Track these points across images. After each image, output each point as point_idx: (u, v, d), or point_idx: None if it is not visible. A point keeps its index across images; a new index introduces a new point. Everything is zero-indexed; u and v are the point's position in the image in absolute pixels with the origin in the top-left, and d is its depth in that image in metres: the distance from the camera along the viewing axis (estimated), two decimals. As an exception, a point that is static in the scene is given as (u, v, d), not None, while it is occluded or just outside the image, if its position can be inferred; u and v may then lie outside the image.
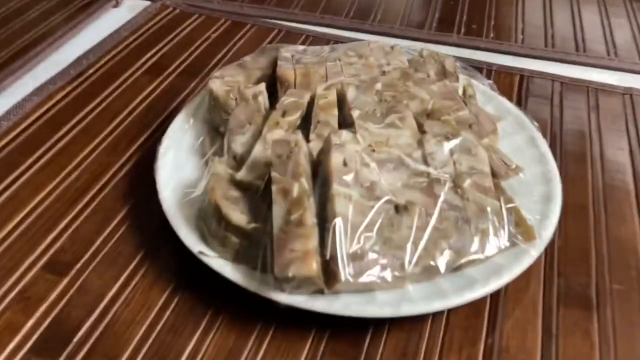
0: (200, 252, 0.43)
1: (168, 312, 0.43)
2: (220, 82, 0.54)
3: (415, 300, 0.40)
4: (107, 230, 0.49)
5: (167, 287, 0.45)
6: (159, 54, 0.71)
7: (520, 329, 0.43)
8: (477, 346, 0.42)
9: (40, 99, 0.62)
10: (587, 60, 0.74)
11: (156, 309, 0.43)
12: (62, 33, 0.72)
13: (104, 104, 0.63)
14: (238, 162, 0.48)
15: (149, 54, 0.71)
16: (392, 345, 0.42)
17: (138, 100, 0.64)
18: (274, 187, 0.41)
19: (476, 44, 0.76)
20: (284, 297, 0.40)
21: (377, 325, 0.42)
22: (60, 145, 0.57)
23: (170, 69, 0.69)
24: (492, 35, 0.79)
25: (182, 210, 0.46)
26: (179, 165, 0.50)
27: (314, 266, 0.38)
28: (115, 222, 0.50)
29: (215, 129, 0.53)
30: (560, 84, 0.69)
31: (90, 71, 0.67)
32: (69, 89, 0.64)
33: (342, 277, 0.38)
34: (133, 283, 0.45)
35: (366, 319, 0.41)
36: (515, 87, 0.69)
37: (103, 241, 0.48)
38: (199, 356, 0.40)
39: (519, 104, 0.65)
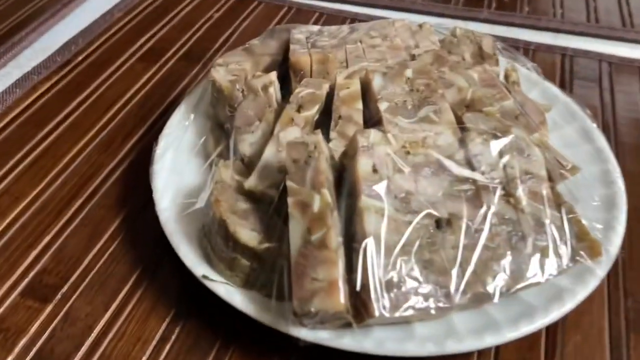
0: (204, 277, 0.36)
1: (168, 346, 0.37)
2: (223, 71, 0.46)
3: (463, 335, 0.34)
4: (97, 247, 0.42)
5: (166, 314, 0.38)
6: (155, 38, 0.64)
7: (585, 363, 0.36)
8: (534, 385, 0.35)
9: (23, 91, 0.56)
10: (637, 36, 0.65)
11: (154, 342, 0.37)
12: (49, 16, 0.65)
13: (94, 96, 0.56)
14: (247, 166, 0.41)
15: (144, 38, 0.63)
16: (433, 384, 0.35)
17: (133, 90, 0.57)
18: (290, 200, 0.35)
19: (510, 19, 0.68)
20: (304, 333, 0.33)
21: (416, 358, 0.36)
22: (44, 145, 0.50)
23: (168, 55, 0.61)
24: (527, 9, 0.71)
25: (183, 224, 0.40)
26: (178, 170, 0.43)
27: (341, 299, 0.31)
28: (106, 236, 0.43)
29: (220, 125, 0.46)
30: (608, 65, 0.61)
31: (79, 58, 0.60)
32: (55, 79, 0.57)
33: (376, 312, 0.31)
34: (127, 310, 0.39)
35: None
36: (557, 69, 0.61)
37: (92, 259, 0.42)
38: (206, 401, 0.34)
39: (562, 88, 0.57)
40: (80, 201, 0.46)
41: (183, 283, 0.39)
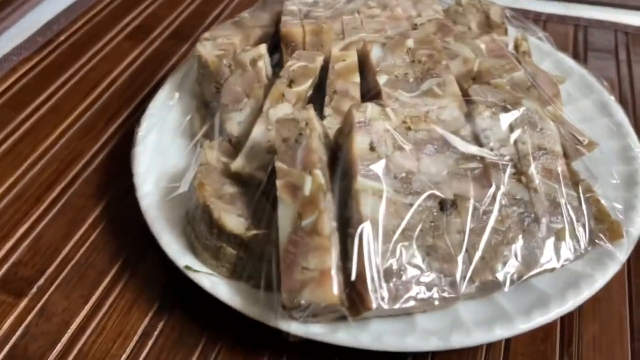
0: (187, 267, 0.33)
1: (151, 342, 0.34)
2: (210, 45, 0.43)
3: (470, 327, 0.31)
4: (77, 236, 0.40)
5: (150, 307, 0.36)
6: (143, 15, 0.60)
7: (605, 354, 0.33)
8: (549, 379, 0.32)
9: (2, 73, 0.52)
10: (656, 4, 0.61)
11: (136, 337, 0.34)
12: (31, -6, 0.61)
13: (77, 76, 0.53)
14: (234, 146, 0.38)
15: (131, 15, 0.60)
16: (438, 380, 0.32)
17: (118, 70, 0.53)
18: (279, 182, 0.31)
19: (519, -11, 0.64)
20: (295, 328, 0.30)
21: (418, 354, 0.33)
22: (23, 129, 0.47)
23: (157, 32, 0.58)
24: (536, -22, 0.66)
25: (165, 211, 0.37)
26: (161, 152, 0.40)
27: (334, 290, 0.28)
28: (87, 224, 0.40)
29: (207, 104, 0.43)
30: (624, 35, 0.57)
31: (62, 38, 0.57)
32: (35, 60, 0.54)
33: (374, 304, 0.28)
34: (107, 304, 0.36)
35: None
36: (570, 40, 0.57)
37: (71, 250, 0.39)
38: (190, 401, 0.32)
39: (576, 60, 0.53)
40: (59, 188, 0.43)
41: (168, 274, 0.36)
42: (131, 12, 0.60)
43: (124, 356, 0.33)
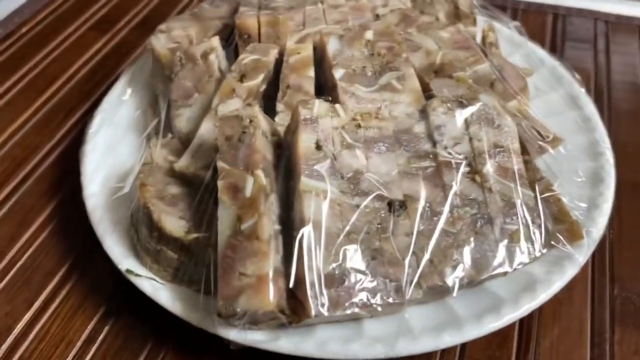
0: (128, 271, 0.32)
1: (94, 348, 0.33)
2: (165, 38, 0.42)
3: (418, 334, 0.29)
4: (25, 237, 0.38)
5: (94, 313, 0.34)
6: (109, 5, 0.59)
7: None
8: (504, 386, 0.31)
9: (-41, 67, 0.51)
10: (638, -9, 0.59)
11: (79, 342, 0.33)
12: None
13: (37, 69, 0.51)
14: (184, 144, 0.36)
15: (98, 5, 0.58)
16: (388, 387, 0.31)
17: (81, 61, 0.52)
18: (220, 183, 0.30)
19: (497, -24, 0.62)
20: (234, 335, 0.29)
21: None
22: (-23, 125, 0.46)
23: (122, 23, 0.56)
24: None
25: (111, 212, 0.35)
26: (112, 149, 0.39)
27: (270, 298, 0.27)
28: (35, 225, 0.39)
29: (161, 99, 0.41)
30: (604, 24, 0.55)
31: (24, 30, 0.55)
32: (-5, 52, 0.53)
33: (313, 312, 0.27)
34: (52, 308, 0.35)
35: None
36: (548, 29, 0.55)
37: (18, 252, 0.38)
38: (130, 411, 0.31)
39: (553, 50, 0.52)
40: (9, 188, 0.41)
41: (114, 277, 0.35)
42: (98, 1, 0.59)
43: (66, 362, 0.32)
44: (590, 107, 0.41)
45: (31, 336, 0.33)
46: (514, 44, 0.46)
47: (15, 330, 0.34)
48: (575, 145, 0.38)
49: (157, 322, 0.33)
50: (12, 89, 0.49)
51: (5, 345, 0.33)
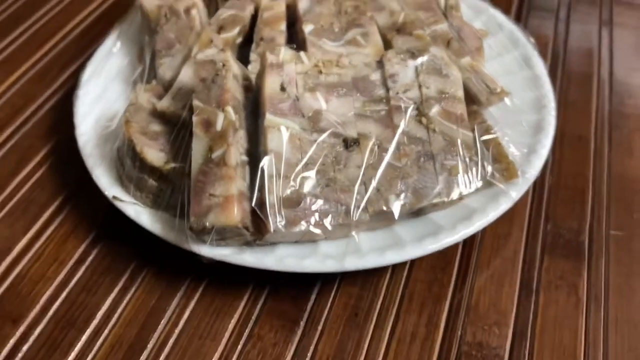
0: (115, 197, 0.36)
1: (84, 267, 0.37)
2: (152, -4, 0.45)
3: (365, 252, 0.34)
4: (23, 174, 0.42)
5: (85, 238, 0.39)
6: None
7: (495, 283, 0.36)
8: (442, 304, 0.36)
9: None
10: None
11: (70, 262, 0.37)
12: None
13: (33, 29, 0.55)
14: (166, 90, 0.40)
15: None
16: (342, 303, 0.36)
17: (76, 21, 0.55)
18: (195, 119, 0.34)
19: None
20: (205, 250, 0.33)
21: (327, 279, 0.36)
22: (-22, 76, 0.50)
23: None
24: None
25: (100, 148, 0.39)
26: (102, 95, 0.43)
27: (234, 214, 0.31)
28: (33, 163, 0.43)
29: (148, 51, 0.45)
30: (569, -5, 0.59)
31: (22, -10, 0.59)
32: (-5, 10, 0.56)
33: (271, 227, 0.31)
34: (46, 234, 0.39)
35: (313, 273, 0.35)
36: (514, -1, 0.59)
37: (16, 186, 0.42)
38: (114, 317, 0.35)
39: (518, 19, 0.55)
40: (9, 131, 0.45)
41: (103, 207, 0.39)
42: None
43: (59, 278, 0.37)
44: (540, 67, 0.45)
45: (28, 256, 0.38)
46: (476, 10, 0.50)
47: (15, 250, 0.38)
48: (523, 100, 0.42)
49: (139, 245, 0.37)
50: (11, 46, 0.53)
51: (5, 262, 0.37)
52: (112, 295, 0.36)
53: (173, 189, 0.35)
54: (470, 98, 0.39)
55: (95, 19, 0.56)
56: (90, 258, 0.38)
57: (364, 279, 0.36)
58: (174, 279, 0.37)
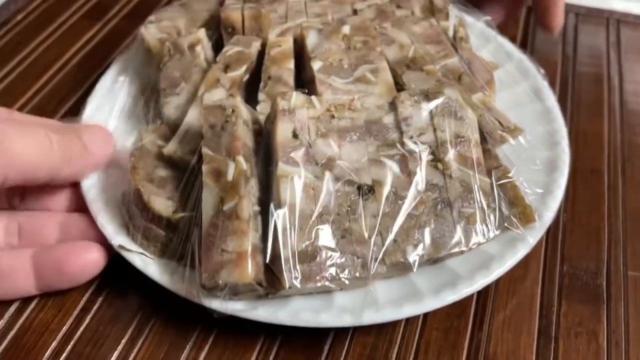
0: (121, 247, 0.35)
1: (89, 317, 0.36)
2: (154, 28, 0.44)
3: (382, 305, 0.33)
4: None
5: (89, 286, 0.37)
6: (100, -7, 0.61)
7: (513, 330, 0.36)
8: (459, 352, 0.35)
9: (-44, 53, 0.53)
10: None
11: (75, 312, 0.36)
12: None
13: (31, 57, 0.53)
14: (172, 130, 0.39)
15: (88, -7, 0.60)
16: (357, 353, 0.35)
17: (74, 50, 0.54)
18: (204, 168, 0.33)
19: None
20: (217, 304, 0.32)
21: (340, 329, 0.35)
22: (-26, 110, 0.48)
23: (114, 11, 0.58)
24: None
25: (105, 193, 0.38)
26: (105, 135, 0.42)
27: (249, 271, 0.30)
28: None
29: (151, 88, 0.44)
30: (575, 16, 0.58)
31: (19, 17, 0.57)
32: (-9, 40, 0.55)
33: (287, 284, 0.30)
34: (49, 283, 0.38)
35: (324, 326, 0.34)
36: (520, 21, 0.58)
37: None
38: (123, 371, 0.34)
39: (524, 44, 0.55)
40: (8, 168, 0.44)
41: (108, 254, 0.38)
42: (89, -11, 0.61)
43: (64, 329, 0.35)
44: (552, 100, 0.44)
45: (31, 306, 0.36)
46: (484, 38, 0.49)
47: (17, 300, 0.37)
48: (535, 136, 0.41)
49: (147, 294, 0.36)
50: (8, 76, 0.51)
51: (8, 313, 0.36)
52: (120, 348, 0.35)
53: (182, 239, 0.34)
54: (483, 136, 0.38)
55: (93, 47, 0.54)
56: (95, 307, 0.37)
57: (379, 328, 0.35)
58: (182, 329, 0.35)
